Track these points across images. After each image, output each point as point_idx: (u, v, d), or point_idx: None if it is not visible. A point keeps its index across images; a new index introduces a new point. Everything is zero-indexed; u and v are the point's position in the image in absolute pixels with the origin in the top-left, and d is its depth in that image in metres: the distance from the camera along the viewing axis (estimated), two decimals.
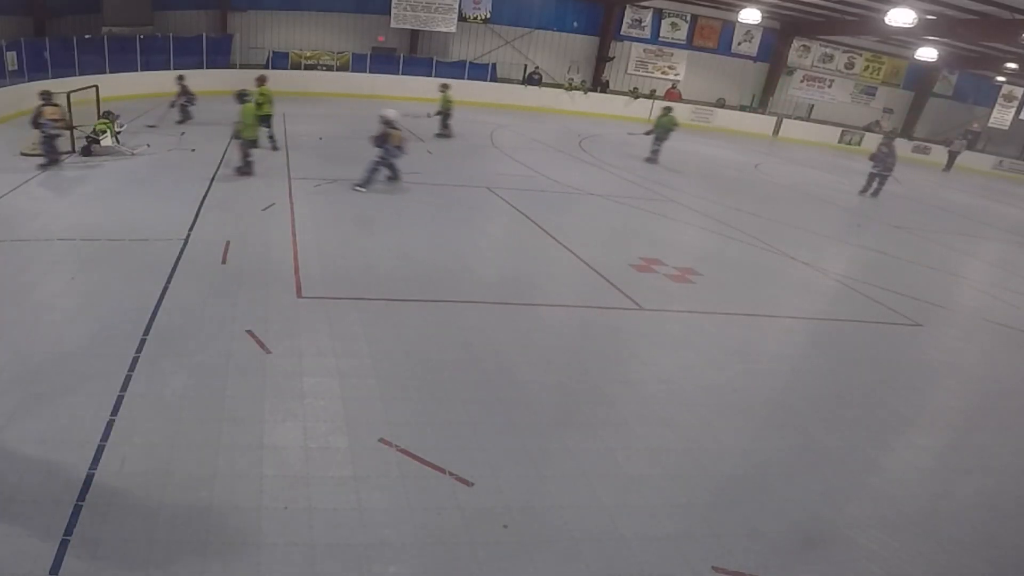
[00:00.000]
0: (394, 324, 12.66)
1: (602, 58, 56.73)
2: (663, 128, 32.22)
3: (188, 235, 15.90)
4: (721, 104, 57.80)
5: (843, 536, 8.47)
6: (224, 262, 14.61)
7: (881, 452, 10.60)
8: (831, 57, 59.68)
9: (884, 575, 7.88)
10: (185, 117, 30.74)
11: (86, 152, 23.09)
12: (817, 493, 9.24)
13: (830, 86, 61.17)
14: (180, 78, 31.38)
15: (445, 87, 33.14)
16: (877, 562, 8.04)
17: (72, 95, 23.14)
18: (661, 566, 7.59)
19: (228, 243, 15.50)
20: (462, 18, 50.03)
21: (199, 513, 7.49)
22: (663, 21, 55.87)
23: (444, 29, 49.58)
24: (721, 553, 7.84)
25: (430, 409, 10.03)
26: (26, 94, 29.51)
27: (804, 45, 58.26)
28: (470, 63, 52.13)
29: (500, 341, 12.53)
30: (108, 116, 24.50)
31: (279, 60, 46.91)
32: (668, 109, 32.29)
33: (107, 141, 23.62)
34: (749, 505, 8.80)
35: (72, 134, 23.05)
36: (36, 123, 21.00)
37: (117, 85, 33.86)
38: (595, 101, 53.48)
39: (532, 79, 53.75)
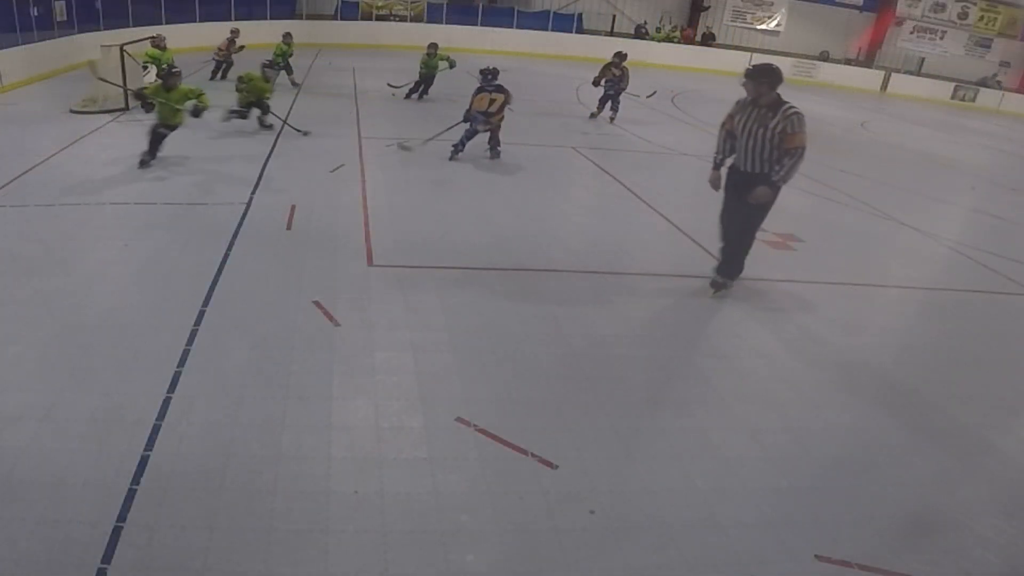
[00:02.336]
0: (473, 294, 12.61)
1: (696, 7, 56.58)
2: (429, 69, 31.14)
3: (250, 199, 16.00)
4: (824, 57, 57.50)
5: (956, 522, 8.24)
6: (289, 228, 14.68)
7: (997, 432, 10.34)
8: (943, 6, 59.09)
9: (1000, 563, 7.68)
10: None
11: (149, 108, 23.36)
12: (928, 476, 9.04)
13: (942, 38, 60.62)
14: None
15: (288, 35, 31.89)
16: (992, 550, 7.83)
17: (126, 48, 23.23)
18: (759, 554, 7.44)
19: (293, 207, 15.55)
20: None
21: (262, 497, 7.44)
22: None
23: None
24: (824, 541, 7.66)
25: (511, 386, 9.94)
26: (76, 47, 29.90)
27: None
28: (554, 13, 52.11)
29: (586, 312, 12.43)
30: (158, 44, 24.62)
31: (349, 10, 47.17)
32: (433, 46, 31.00)
33: (150, 76, 23.76)
34: (855, 489, 8.62)
35: (125, 90, 23.16)
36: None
37: (174, 37, 34.08)
38: (691, 55, 53.46)
39: (640, 33, 53.91)
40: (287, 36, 30.65)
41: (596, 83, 29.82)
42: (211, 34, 38.43)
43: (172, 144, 19.57)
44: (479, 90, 21.26)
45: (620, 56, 29.74)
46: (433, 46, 30.45)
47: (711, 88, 44.23)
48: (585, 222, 17.38)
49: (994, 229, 21.17)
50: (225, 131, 21.91)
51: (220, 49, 31.48)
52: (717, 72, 52.60)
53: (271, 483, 7.65)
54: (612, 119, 29.81)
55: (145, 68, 24.13)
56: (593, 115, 30.41)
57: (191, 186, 16.25)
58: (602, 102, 30.26)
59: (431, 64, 30.67)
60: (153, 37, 25.10)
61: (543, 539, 7.31)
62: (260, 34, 39.28)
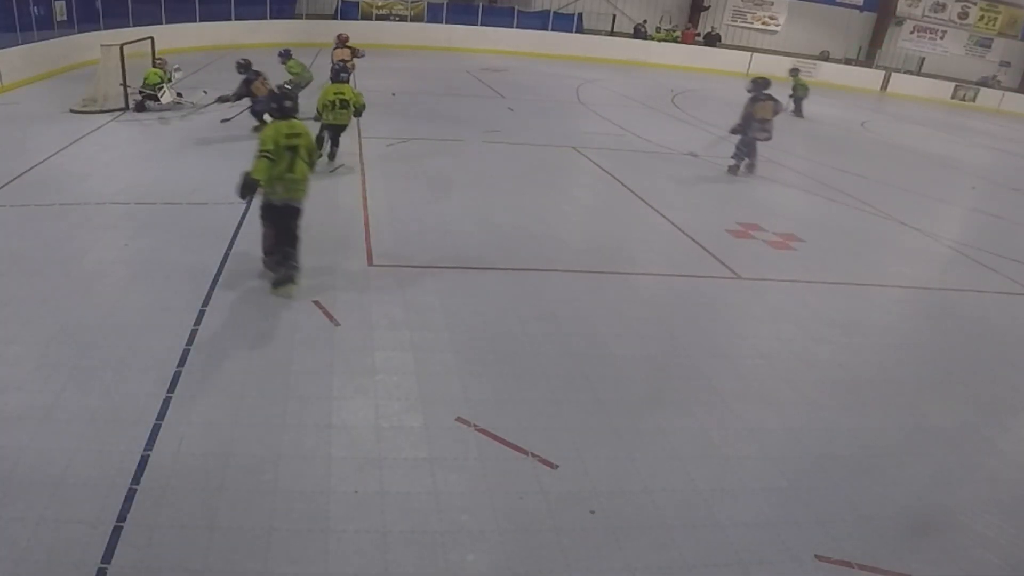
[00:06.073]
0: (472, 294, 12.63)
1: (697, 6, 56.70)
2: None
3: (250, 198, 15.84)
4: (825, 57, 57.57)
5: (956, 522, 8.30)
6: None
7: (997, 432, 10.44)
8: (943, 6, 59.12)
9: (1000, 563, 7.72)
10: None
11: (140, 108, 23.23)
12: (928, 476, 9.09)
13: (942, 37, 60.66)
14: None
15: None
16: (993, 550, 7.87)
17: (125, 48, 23.26)
18: (760, 554, 7.46)
19: None
20: None
21: (263, 497, 7.46)
22: None
23: None
24: (824, 540, 7.71)
25: (511, 386, 9.95)
26: (76, 46, 29.80)
27: None
28: (554, 13, 52.16)
29: (587, 312, 12.44)
30: (161, 65, 24.57)
31: (349, 10, 47.17)
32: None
33: (166, 97, 23.69)
34: (855, 489, 8.64)
35: (125, 89, 23.25)
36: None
37: (174, 37, 34.15)
38: (691, 54, 53.59)
39: (639, 32, 54.20)
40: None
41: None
42: (211, 34, 38.45)
43: (171, 144, 19.63)
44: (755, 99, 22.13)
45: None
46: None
47: (711, 88, 44.30)
48: (585, 222, 17.39)
49: (994, 229, 21.17)
50: (224, 130, 21.89)
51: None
52: (718, 72, 52.79)
53: (271, 483, 7.66)
54: None
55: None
56: None
57: (191, 186, 16.22)
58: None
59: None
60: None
61: (543, 539, 7.32)
62: (261, 34, 39.27)
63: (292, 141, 11.64)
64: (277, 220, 12.13)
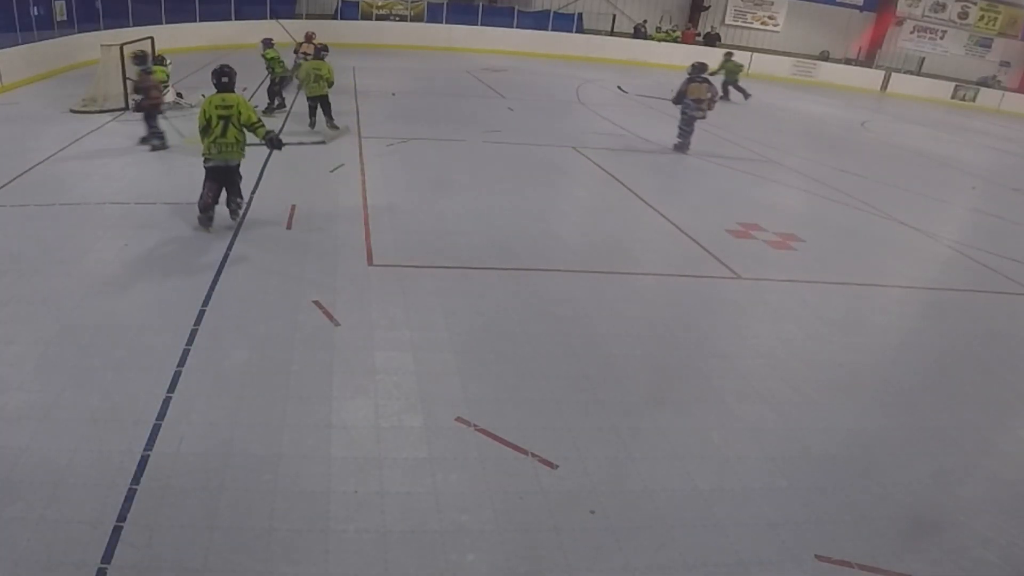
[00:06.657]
0: (472, 294, 12.60)
1: (697, 6, 56.67)
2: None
3: (250, 198, 15.96)
4: (824, 57, 57.53)
5: (956, 522, 8.27)
6: (289, 227, 14.72)
7: (997, 432, 10.38)
8: (943, 6, 59.08)
9: (1000, 563, 7.69)
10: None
11: (140, 108, 23.24)
12: (928, 476, 9.05)
13: (942, 38, 60.61)
14: None
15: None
16: (993, 550, 7.84)
17: (125, 47, 23.24)
18: (760, 554, 7.44)
19: (293, 207, 15.59)
20: None
21: (262, 497, 7.45)
22: None
23: None
24: (824, 540, 7.69)
25: (511, 386, 9.94)
26: (76, 46, 29.79)
27: None
28: (554, 13, 52.14)
29: (587, 312, 12.41)
30: (162, 63, 24.51)
31: (349, 10, 47.24)
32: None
33: (169, 96, 23.70)
34: (854, 489, 8.62)
35: (125, 89, 23.24)
36: None
37: (174, 37, 34.13)
38: (692, 54, 53.66)
39: (639, 32, 54.26)
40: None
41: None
42: (211, 34, 38.44)
43: (171, 144, 19.62)
44: (691, 80, 24.58)
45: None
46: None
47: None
48: (585, 222, 17.40)
49: (994, 229, 21.12)
50: None
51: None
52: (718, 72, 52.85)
53: (271, 483, 7.65)
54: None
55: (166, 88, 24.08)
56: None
57: (191, 185, 16.09)
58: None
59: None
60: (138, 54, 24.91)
61: (543, 539, 7.30)
62: (261, 34, 39.29)
63: (224, 112, 13.76)
64: (219, 177, 14.21)
